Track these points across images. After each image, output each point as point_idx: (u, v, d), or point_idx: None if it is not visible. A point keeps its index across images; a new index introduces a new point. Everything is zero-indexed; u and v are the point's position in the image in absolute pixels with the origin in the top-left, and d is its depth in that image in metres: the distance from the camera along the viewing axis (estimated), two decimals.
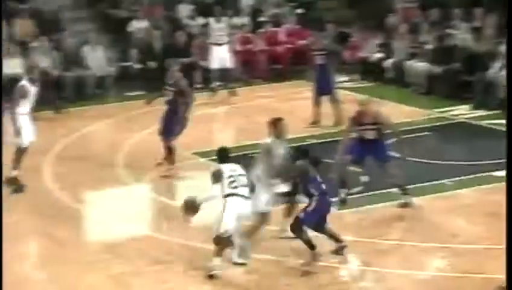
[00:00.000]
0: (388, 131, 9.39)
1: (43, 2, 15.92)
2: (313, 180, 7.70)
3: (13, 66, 13.63)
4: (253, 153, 10.72)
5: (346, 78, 16.03)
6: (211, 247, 7.73)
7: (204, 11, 16.57)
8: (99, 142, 12.37)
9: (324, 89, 12.74)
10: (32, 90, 9.83)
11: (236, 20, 16.82)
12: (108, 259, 7.99)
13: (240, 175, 7.79)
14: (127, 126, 12.84)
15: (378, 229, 8.63)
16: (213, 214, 7.92)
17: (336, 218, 8.96)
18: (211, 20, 15.21)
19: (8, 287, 7.35)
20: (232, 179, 7.74)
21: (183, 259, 7.93)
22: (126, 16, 16.44)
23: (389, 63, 15.90)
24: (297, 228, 7.66)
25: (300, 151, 7.96)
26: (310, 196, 7.68)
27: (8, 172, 9.92)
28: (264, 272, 7.63)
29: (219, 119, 14.01)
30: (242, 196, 7.68)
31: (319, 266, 7.61)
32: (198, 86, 15.15)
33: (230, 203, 7.63)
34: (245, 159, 10.65)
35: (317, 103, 12.82)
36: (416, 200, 9.28)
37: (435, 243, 8.08)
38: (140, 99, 11.76)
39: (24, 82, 9.88)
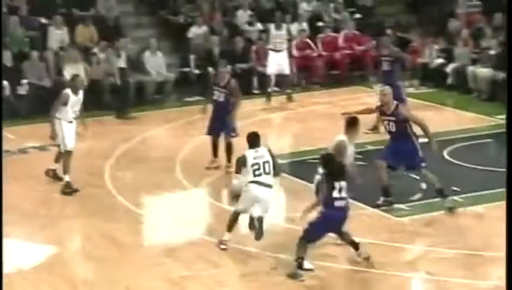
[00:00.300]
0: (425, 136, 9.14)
1: (106, 9, 16.20)
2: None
3: (75, 71, 13.87)
4: (309, 159, 10.76)
5: (405, 84, 15.83)
6: (268, 253, 7.71)
7: (262, 17, 16.62)
8: (159, 147, 12.50)
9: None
10: (74, 99, 10.13)
11: (295, 26, 16.81)
12: (166, 262, 8.07)
13: (264, 162, 8.12)
14: (186, 131, 12.95)
15: (438, 237, 8.48)
16: (268, 223, 8.02)
17: (395, 225, 8.85)
18: (271, 26, 15.24)
19: (68, 287, 7.50)
20: (256, 166, 8.10)
21: (239, 263, 7.94)
22: (185, 22, 16.61)
23: (450, 68, 15.64)
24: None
25: (327, 160, 7.75)
26: None
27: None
28: (326, 278, 7.58)
29: (276, 125, 14.02)
30: (263, 184, 8.05)
31: (375, 274, 7.52)
32: (256, 91, 15.18)
33: (251, 190, 8.06)
34: (302, 165, 10.72)
35: None
36: (478, 208, 9.09)
37: (496, 253, 7.88)
38: (199, 105, 11.84)
39: (67, 90, 10.18)
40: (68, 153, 10.24)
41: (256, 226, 8.21)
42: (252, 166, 8.10)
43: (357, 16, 17.65)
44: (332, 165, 7.67)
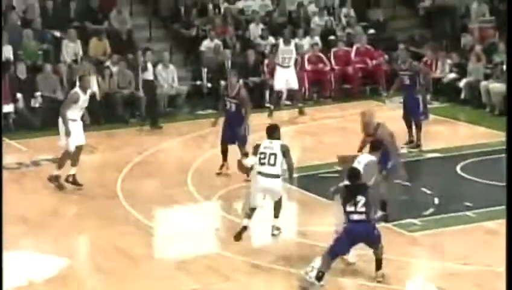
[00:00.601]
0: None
1: (119, 22, 16.33)
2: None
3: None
4: (321, 173, 10.78)
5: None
6: (279, 266, 7.71)
7: (275, 30, 16.70)
8: (171, 159, 12.56)
9: (411, 110, 12.48)
10: (83, 98, 10.55)
11: (307, 40, 16.88)
12: (178, 275, 8.10)
13: (271, 154, 8.67)
14: (198, 144, 13.01)
15: (451, 253, 8.47)
16: (281, 238, 8.05)
17: (407, 240, 8.85)
18: (280, 41, 15.29)
19: None
20: (262, 156, 8.71)
21: (251, 277, 7.95)
22: (198, 35, 16.72)
23: (463, 83, 15.65)
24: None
25: (353, 175, 7.90)
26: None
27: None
28: None
29: (287, 139, 13.96)
30: (267, 174, 8.63)
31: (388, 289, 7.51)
32: (268, 105, 15.22)
33: (258, 181, 8.72)
34: (314, 179, 10.75)
35: (407, 124, 12.53)
36: (491, 223, 9.07)
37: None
38: (211, 118, 11.91)
39: (77, 89, 10.59)
40: (68, 153, 10.57)
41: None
42: (259, 154, 8.73)
43: (370, 30, 17.70)
44: (354, 181, 7.81)
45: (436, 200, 9.71)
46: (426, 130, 12.64)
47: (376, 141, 8.88)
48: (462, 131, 13.97)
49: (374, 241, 7.75)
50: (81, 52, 15.35)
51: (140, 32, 16.82)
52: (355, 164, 8.38)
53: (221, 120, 11.32)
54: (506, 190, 7.34)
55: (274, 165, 8.65)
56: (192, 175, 11.31)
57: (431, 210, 9.59)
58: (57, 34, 15.75)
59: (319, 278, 7.63)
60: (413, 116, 12.51)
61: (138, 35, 16.65)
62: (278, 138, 8.91)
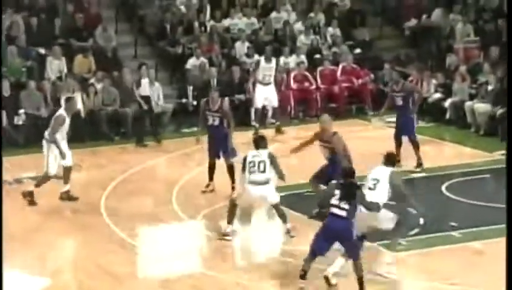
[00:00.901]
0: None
1: (104, 40, 16.36)
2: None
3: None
4: (305, 192, 10.81)
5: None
6: (264, 286, 7.71)
7: (261, 49, 16.77)
8: (156, 178, 12.55)
9: (403, 130, 12.52)
10: (67, 120, 10.79)
11: (293, 58, 16.98)
12: None
13: (260, 161, 9.18)
14: (183, 162, 13.02)
15: (437, 273, 8.50)
16: (265, 256, 8.06)
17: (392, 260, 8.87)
18: (261, 58, 15.36)
19: None
20: (252, 164, 9.21)
21: None
22: (184, 53, 16.77)
23: (448, 103, 15.78)
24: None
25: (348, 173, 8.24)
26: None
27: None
28: None
29: None
30: (257, 182, 9.12)
31: None
32: (254, 123, 15.25)
33: (248, 191, 9.18)
34: (298, 198, 10.77)
35: (397, 143, 12.53)
36: (476, 244, 9.13)
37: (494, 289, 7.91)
38: (194, 134, 11.93)
39: (62, 111, 10.81)
40: (47, 176, 10.74)
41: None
42: (248, 163, 9.24)
43: (356, 49, 17.83)
44: (347, 179, 8.07)
45: (422, 220, 9.75)
46: (411, 150, 12.73)
47: (391, 154, 9.06)
48: (447, 151, 14.07)
49: (348, 239, 7.85)
50: (65, 69, 15.35)
51: (126, 49, 16.86)
52: (371, 182, 8.52)
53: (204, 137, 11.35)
54: (506, 189, 7.39)
55: (264, 172, 9.20)
56: (177, 193, 11.30)
57: (416, 230, 9.63)
58: (42, 51, 15.75)
59: (302, 276, 7.85)
60: (409, 135, 12.48)
61: (123, 53, 16.69)
62: (265, 148, 9.41)
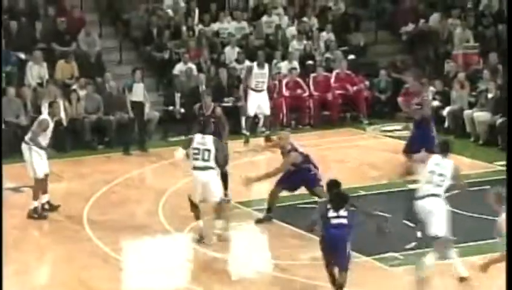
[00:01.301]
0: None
1: (88, 44, 16.35)
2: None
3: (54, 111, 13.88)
4: (297, 204, 10.83)
5: (399, 127, 16.00)
6: None
7: (251, 54, 16.80)
8: (141, 188, 12.53)
9: (428, 143, 11.94)
10: (51, 125, 10.81)
11: (285, 64, 17.01)
12: None
13: (205, 150, 9.50)
14: (171, 172, 12.99)
15: (434, 288, 8.52)
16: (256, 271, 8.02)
17: (389, 276, 8.88)
18: (254, 64, 15.38)
19: None
20: (196, 151, 9.51)
21: None
22: (171, 58, 16.78)
23: (446, 111, 15.82)
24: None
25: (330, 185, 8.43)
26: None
27: None
28: None
29: (262, 168, 14.04)
30: (199, 167, 9.47)
31: None
32: (245, 132, 15.26)
33: (193, 176, 9.60)
34: (289, 210, 10.78)
35: (408, 156, 12.07)
36: (475, 258, 9.15)
37: None
38: (184, 143, 11.89)
39: (45, 116, 10.85)
40: (38, 180, 10.66)
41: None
42: (192, 150, 9.55)
43: (350, 55, 17.87)
44: (333, 191, 8.25)
45: (419, 234, 9.76)
46: (398, 161, 12.73)
47: (446, 141, 9.23)
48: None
49: (343, 248, 8.00)
50: (46, 75, 15.34)
51: (110, 54, 16.86)
52: (433, 166, 8.66)
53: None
54: (506, 190, 7.45)
55: (208, 160, 9.57)
56: (163, 205, 11.28)
57: (413, 244, 9.64)
58: (22, 55, 15.73)
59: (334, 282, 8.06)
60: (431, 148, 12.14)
61: (107, 58, 16.69)
62: (211, 133, 9.75)
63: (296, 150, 10.47)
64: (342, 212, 8.04)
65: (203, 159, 9.54)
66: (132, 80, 14.60)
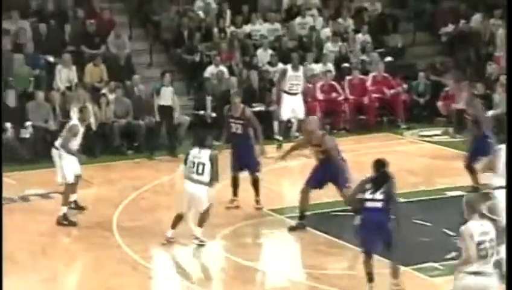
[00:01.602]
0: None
1: (117, 47, 16.50)
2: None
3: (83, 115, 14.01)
4: (333, 212, 10.80)
5: (438, 132, 15.90)
6: None
7: (284, 56, 16.82)
8: (171, 194, 12.58)
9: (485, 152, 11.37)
10: (81, 130, 10.98)
11: (319, 67, 16.99)
12: None
13: (199, 163, 9.77)
14: None
15: None
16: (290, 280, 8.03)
17: (427, 286, 8.82)
18: (288, 66, 15.38)
19: None
20: (191, 164, 9.82)
21: None
22: (202, 61, 16.85)
23: (488, 115, 15.63)
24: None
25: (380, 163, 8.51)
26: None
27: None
28: None
29: (296, 173, 14.03)
30: (193, 180, 9.77)
31: None
32: (278, 137, 15.26)
33: (184, 188, 9.89)
34: (325, 218, 10.75)
35: (470, 169, 11.87)
36: None
37: None
38: (216, 149, 11.95)
39: (75, 121, 11.01)
40: (69, 185, 10.81)
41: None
42: (188, 163, 9.86)
43: (387, 57, 17.80)
44: (380, 170, 8.36)
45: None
46: (447, 166, 12.66)
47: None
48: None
49: (387, 230, 8.14)
50: (75, 79, 15.48)
51: (140, 57, 16.99)
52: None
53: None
54: (506, 190, 7.38)
55: (202, 174, 9.80)
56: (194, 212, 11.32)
57: (453, 253, 9.56)
58: (51, 59, 15.91)
59: (369, 279, 8.26)
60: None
61: (137, 60, 16.82)
62: (209, 147, 9.85)
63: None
64: (378, 195, 8.18)
65: (198, 173, 9.79)
66: (161, 84, 14.71)
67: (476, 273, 6.82)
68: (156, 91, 14.70)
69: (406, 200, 11.50)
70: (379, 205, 8.17)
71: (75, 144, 10.93)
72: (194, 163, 9.80)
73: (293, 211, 10.90)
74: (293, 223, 10.54)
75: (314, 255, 9.82)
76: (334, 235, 10.11)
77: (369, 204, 8.21)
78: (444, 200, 11.82)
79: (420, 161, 14.07)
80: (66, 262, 9.84)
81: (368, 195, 8.22)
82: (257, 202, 11.15)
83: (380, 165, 8.42)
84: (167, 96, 14.61)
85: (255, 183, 11.11)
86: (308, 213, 10.58)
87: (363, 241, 8.34)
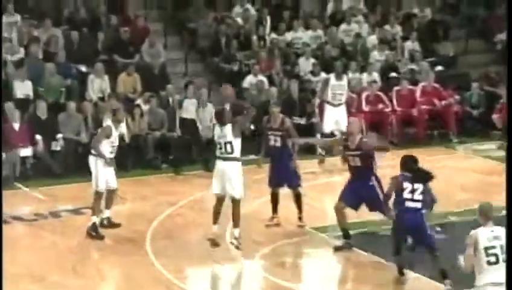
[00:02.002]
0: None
1: (151, 56, 16.66)
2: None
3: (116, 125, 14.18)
4: (378, 231, 10.73)
5: (493, 146, 15.74)
6: None
7: (327, 65, 16.80)
8: (207, 211, 12.60)
9: None
10: (115, 133, 11.05)
11: (365, 77, 16.97)
12: None
13: (226, 142, 10.30)
14: None
15: None
16: None
17: None
18: (331, 76, 15.33)
19: None
20: (218, 145, 10.28)
21: None
22: (240, 70, 16.93)
23: None
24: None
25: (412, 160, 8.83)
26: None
27: None
28: None
29: (338, 189, 13.98)
30: (222, 158, 10.30)
31: None
32: (321, 151, 15.21)
33: (215, 166, 10.51)
34: (370, 237, 10.67)
35: None
36: None
37: None
38: (255, 164, 11.99)
39: (110, 123, 11.08)
40: (99, 194, 10.90)
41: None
42: (216, 144, 10.29)
43: (438, 66, 17.71)
44: (413, 167, 8.67)
45: None
46: (503, 183, 12.47)
47: None
48: None
49: (425, 231, 8.50)
50: (108, 89, 15.66)
51: (175, 66, 17.15)
52: None
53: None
54: (506, 189, 7.34)
55: (231, 153, 10.19)
56: (230, 229, 11.35)
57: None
58: (83, 68, 16.13)
59: (401, 273, 9.00)
60: None
61: (173, 70, 16.97)
62: (226, 122, 10.16)
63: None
64: (417, 196, 8.45)
65: (227, 152, 10.21)
66: (184, 95, 14.81)
67: (493, 284, 6.90)
68: (178, 103, 14.81)
69: (458, 219, 11.42)
70: (419, 205, 8.47)
71: (108, 148, 10.94)
72: (220, 144, 10.23)
73: (337, 230, 10.85)
74: (339, 242, 10.48)
75: (360, 277, 9.77)
76: (382, 255, 10.03)
77: (409, 204, 8.48)
78: (499, 218, 11.68)
79: (474, 176, 13.95)
80: (96, 281, 9.92)
81: (406, 194, 8.48)
82: (300, 219, 11.12)
83: (412, 162, 8.69)
84: (190, 109, 14.72)
85: (298, 199, 11.09)
86: (353, 232, 10.53)
87: (397, 240, 8.74)
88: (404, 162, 8.88)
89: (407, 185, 8.58)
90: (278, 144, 11.13)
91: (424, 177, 8.64)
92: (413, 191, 8.56)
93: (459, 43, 18.71)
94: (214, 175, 10.44)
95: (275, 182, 11.20)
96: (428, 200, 8.70)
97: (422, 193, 8.61)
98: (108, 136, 10.93)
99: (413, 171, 8.70)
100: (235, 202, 10.33)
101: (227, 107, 10.54)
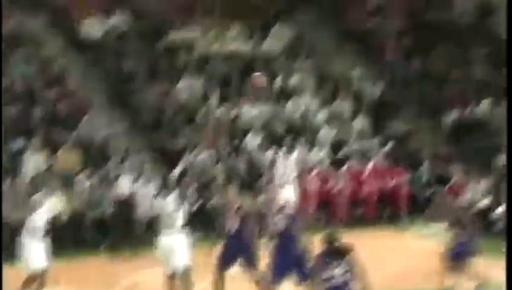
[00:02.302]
0: None
1: (92, 130, 16.68)
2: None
3: (52, 205, 14.00)
4: None
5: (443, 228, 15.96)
6: None
7: (275, 141, 16.94)
8: None
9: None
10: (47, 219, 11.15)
11: (314, 154, 17.15)
12: None
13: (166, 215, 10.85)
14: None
15: None
16: None
17: None
18: (279, 153, 15.46)
19: None
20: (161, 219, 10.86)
21: None
22: (185, 146, 17.00)
23: (499, 212, 15.71)
24: None
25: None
26: None
27: None
28: None
29: None
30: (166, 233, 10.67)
31: None
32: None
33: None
34: None
35: None
36: None
37: None
38: (201, 243, 12.01)
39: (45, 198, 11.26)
40: (31, 276, 10.88)
41: None
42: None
43: (388, 144, 17.93)
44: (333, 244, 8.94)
45: None
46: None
47: None
48: (496, 271, 13.91)
49: None
50: (45, 165, 15.57)
51: (117, 141, 17.11)
52: None
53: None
54: (506, 190, 7.49)
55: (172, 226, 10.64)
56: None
57: None
58: (20, 143, 16.02)
59: None
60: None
61: (114, 145, 16.95)
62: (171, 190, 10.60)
63: None
64: (338, 271, 8.67)
65: (169, 226, 10.78)
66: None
67: None
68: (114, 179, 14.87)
69: None
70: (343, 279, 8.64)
71: (39, 226, 10.97)
72: (162, 216, 10.76)
73: None
74: None
75: None
76: None
77: (335, 282, 8.64)
78: None
79: (425, 259, 14.10)
80: None
81: (329, 273, 8.68)
82: None
83: (330, 238, 8.98)
84: (124, 186, 14.76)
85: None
86: None
87: None
88: (325, 237, 9.21)
89: (328, 261, 8.84)
90: (234, 229, 11.24)
91: (342, 252, 8.93)
92: (334, 267, 8.78)
93: (409, 121, 19.00)
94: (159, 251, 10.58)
95: (225, 265, 11.32)
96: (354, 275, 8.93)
97: (343, 268, 8.84)
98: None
99: (332, 247, 9.01)
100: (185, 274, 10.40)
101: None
